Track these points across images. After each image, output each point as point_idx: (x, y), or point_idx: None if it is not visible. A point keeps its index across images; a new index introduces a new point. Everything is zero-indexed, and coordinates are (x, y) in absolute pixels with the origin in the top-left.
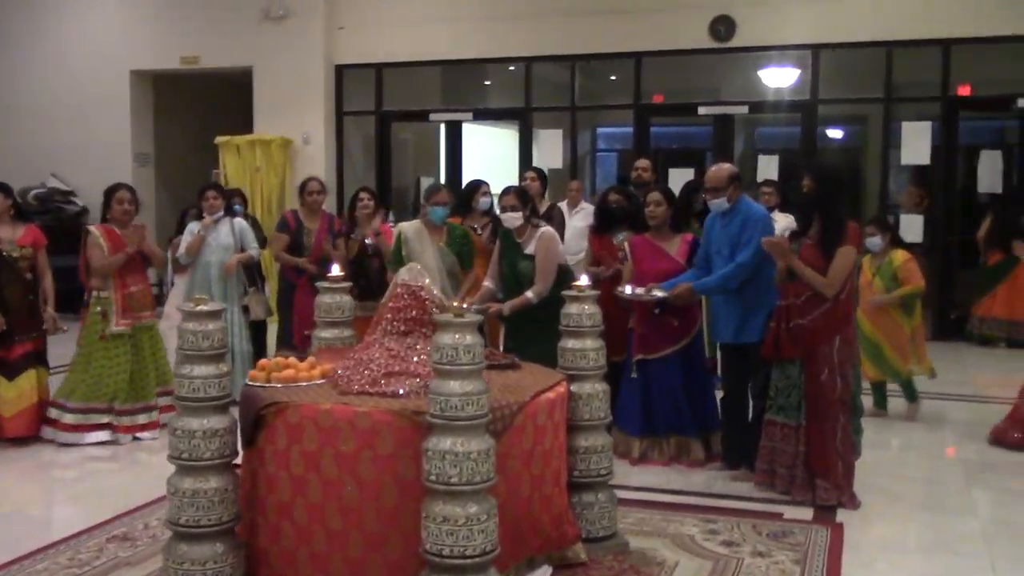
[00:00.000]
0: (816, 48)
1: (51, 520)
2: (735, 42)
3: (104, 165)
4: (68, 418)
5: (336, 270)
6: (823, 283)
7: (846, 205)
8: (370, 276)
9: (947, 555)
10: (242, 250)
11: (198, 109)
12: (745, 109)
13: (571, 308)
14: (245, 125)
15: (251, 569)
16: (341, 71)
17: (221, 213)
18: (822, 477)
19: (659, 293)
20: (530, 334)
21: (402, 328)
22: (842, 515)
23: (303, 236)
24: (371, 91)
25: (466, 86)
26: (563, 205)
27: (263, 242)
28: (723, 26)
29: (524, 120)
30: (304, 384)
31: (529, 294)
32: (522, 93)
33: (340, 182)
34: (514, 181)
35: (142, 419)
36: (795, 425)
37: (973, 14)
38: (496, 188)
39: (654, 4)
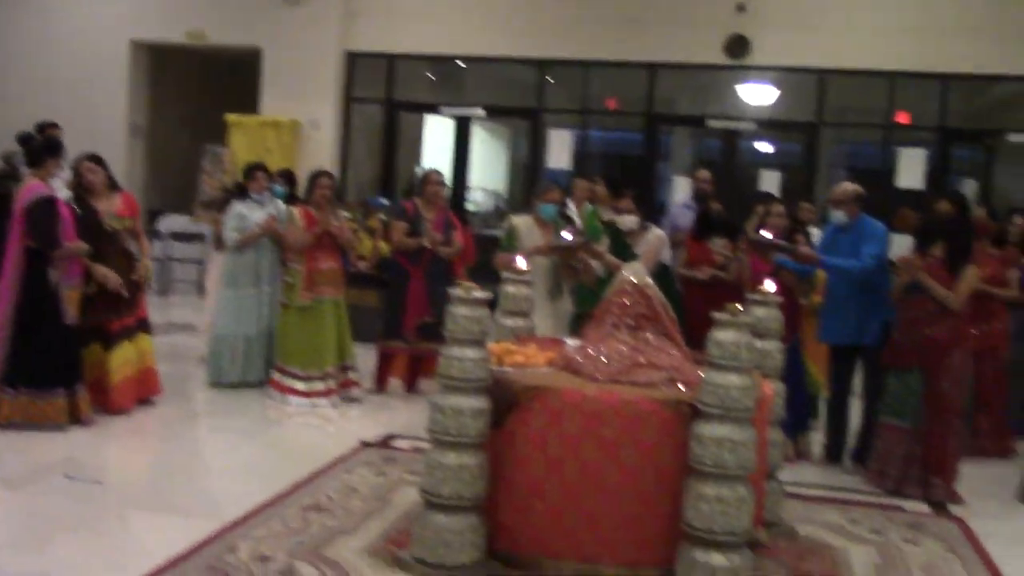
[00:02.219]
0: (823, 73)
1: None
2: (748, 60)
3: (97, 135)
4: (275, 375)
5: (522, 262)
6: (951, 299)
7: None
8: None
9: None
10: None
11: (195, 86)
12: (753, 125)
13: (757, 312)
14: (243, 105)
15: (493, 543)
16: (353, 58)
17: (268, 193)
18: (939, 476)
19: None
20: None
21: (631, 323)
22: (954, 511)
23: (420, 226)
24: (382, 80)
25: (477, 82)
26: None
27: None
28: (737, 45)
29: (535, 120)
30: (540, 371)
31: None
32: (533, 93)
33: (344, 169)
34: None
35: (318, 386)
36: (910, 428)
37: (972, 52)
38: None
39: (669, 17)
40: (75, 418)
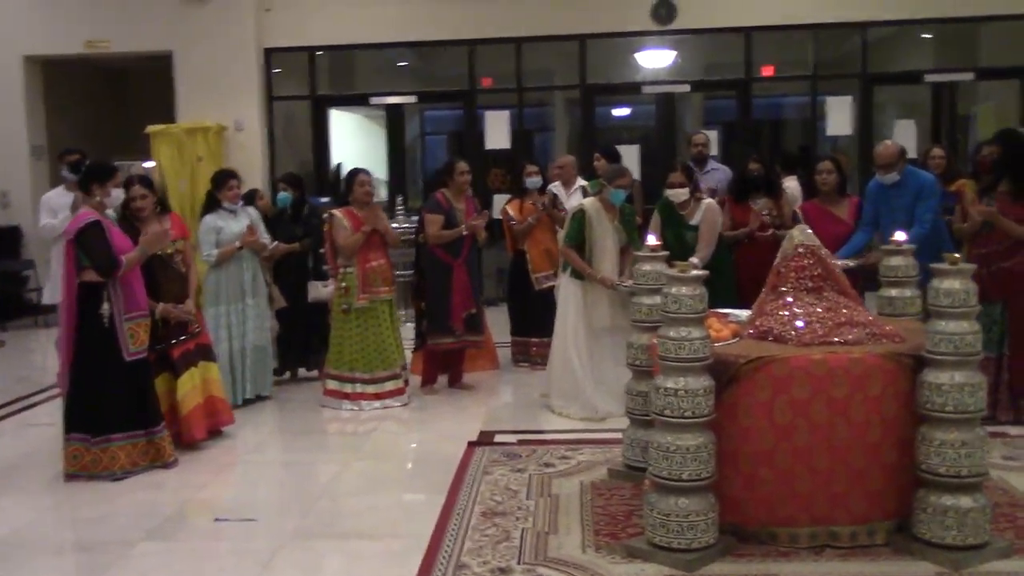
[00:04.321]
0: (750, 30)
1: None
2: (675, 25)
3: None
4: (331, 384)
5: (653, 239)
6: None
7: None
8: None
9: None
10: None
11: (100, 98)
12: (687, 88)
13: (892, 261)
14: (155, 114)
15: (723, 518)
16: (271, 54)
17: (242, 203)
18: None
19: (847, 263)
20: None
21: (810, 285)
22: None
23: (455, 217)
24: (304, 75)
25: (404, 69)
26: (556, 187)
27: (317, 232)
28: (664, 9)
29: (469, 101)
30: (731, 342)
31: (695, 259)
32: (466, 75)
33: (273, 169)
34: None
35: (389, 386)
36: (996, 356)
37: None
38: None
39: None
40: (159, 460)
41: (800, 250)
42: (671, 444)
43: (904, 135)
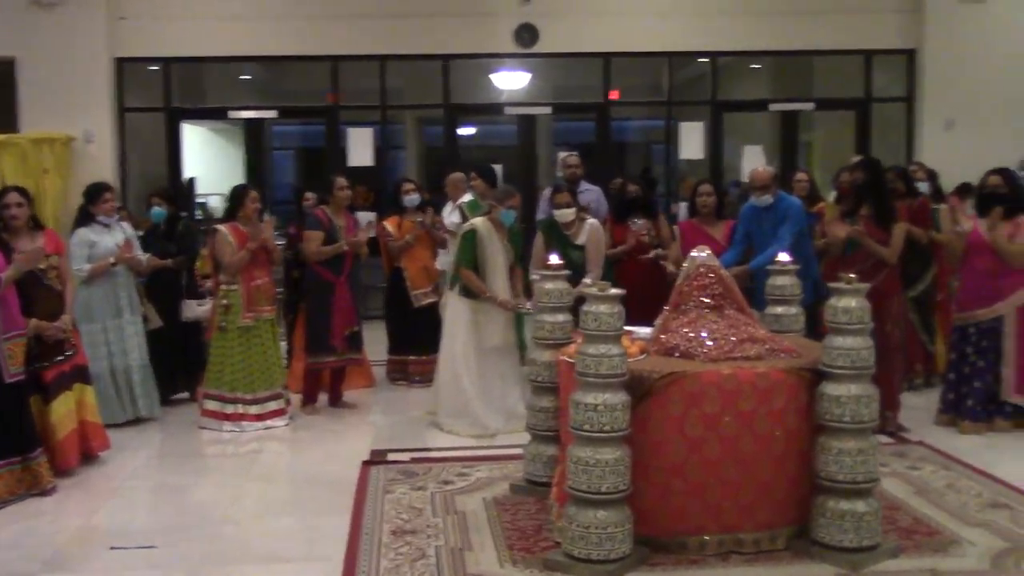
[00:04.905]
0: (608, 56)
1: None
2: (537, 48)
3: None
4: (210, 405)
5: (556, 259)
6: (888, 253)
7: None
8: None
9: None
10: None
11: None
12: (548, 110)
13: (778, 280)
14: None
15: (637, 530)
16: (124, 64)
17: (116, 216)
18: (890, 410)
19: None
20: None
21: (711, 303)
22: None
23: (336, 234)
24: (159, 86)
25: (262, 83)
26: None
27: (192, 249)
28: (527, 33)
29: (332, 118)
30: (640, 358)
31: (587, 280)
32: (326, 91)
33: (124, 183)
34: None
35: (272, 406)
36: None
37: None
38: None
39: (461, 9)
40: (36, 487)
41: (702, 270)
42: (590, 458)
43: (752, 160)
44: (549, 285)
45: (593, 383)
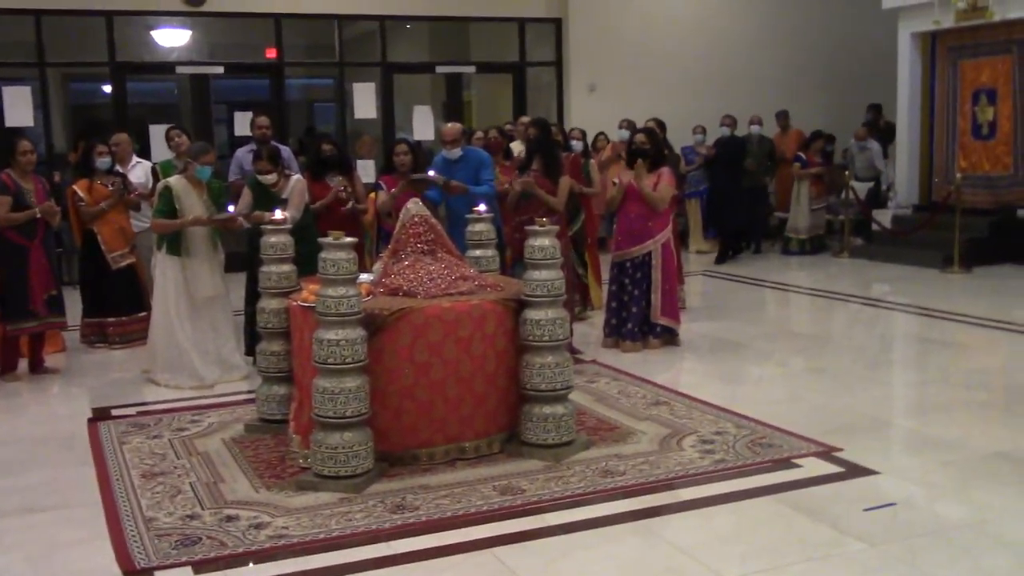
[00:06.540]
0: (279, 17)
1: None
2: (206, 8)
3: None
4: None
5: (280, 214)
6: (555, 202)
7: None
8: None
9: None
10: None
11: None
12: (220, 69)
13: (476, 227)
14: None
15: (376, 447)
16: None
17: None
18: None
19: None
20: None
21: (426, 248)
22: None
23: (24, 198)
24: None
25: None
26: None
27: None
28: None
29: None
30: (368, 299)
31: (286, 214)
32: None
33: None
34: None
35: None
36: None
37: None
38: None
39: None
40: None
41: (416, 219)
42: (335, 387)
43: (422, 119)
44: (273, 239)
45: (334, 321)
